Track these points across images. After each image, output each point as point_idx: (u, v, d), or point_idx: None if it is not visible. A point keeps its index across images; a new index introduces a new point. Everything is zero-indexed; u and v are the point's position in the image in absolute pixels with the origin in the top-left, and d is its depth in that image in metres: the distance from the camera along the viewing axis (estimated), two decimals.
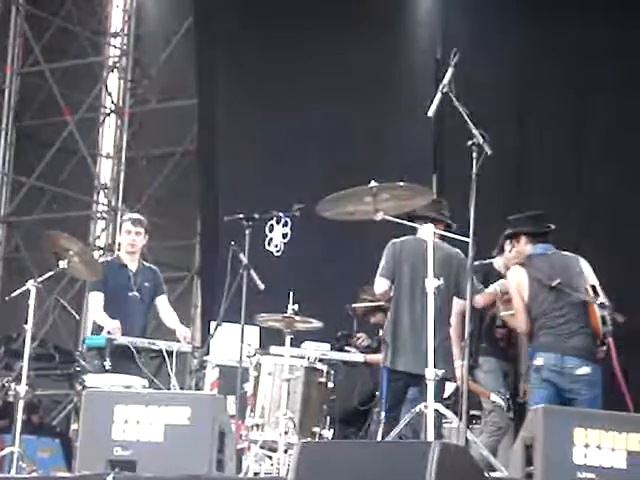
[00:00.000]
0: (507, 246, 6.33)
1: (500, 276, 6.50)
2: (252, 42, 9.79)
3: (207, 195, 10.27)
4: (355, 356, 7.25)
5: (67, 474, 5.30)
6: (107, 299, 7.07)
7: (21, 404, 5.98)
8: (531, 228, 6.16)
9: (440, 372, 4.96)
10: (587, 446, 4.42)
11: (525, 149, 8.54)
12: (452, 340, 6.36)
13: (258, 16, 9.79)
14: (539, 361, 5.87)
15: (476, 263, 5.44)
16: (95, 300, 7.11)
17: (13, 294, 6.31)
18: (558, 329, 5.89)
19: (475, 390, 6.23)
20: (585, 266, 6.05)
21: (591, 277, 6.00)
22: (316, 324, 6.30)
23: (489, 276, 6.48)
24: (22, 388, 5.98)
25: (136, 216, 7.47)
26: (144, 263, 7.45)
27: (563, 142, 8.47)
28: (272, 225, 6.34)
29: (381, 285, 5.84)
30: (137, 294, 7.18)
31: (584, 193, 8.38)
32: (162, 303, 7.30)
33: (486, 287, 6.31)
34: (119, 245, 7.57)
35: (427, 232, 4.99)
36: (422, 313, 5.29)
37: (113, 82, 12.81)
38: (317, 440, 5.71)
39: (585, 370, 5.79)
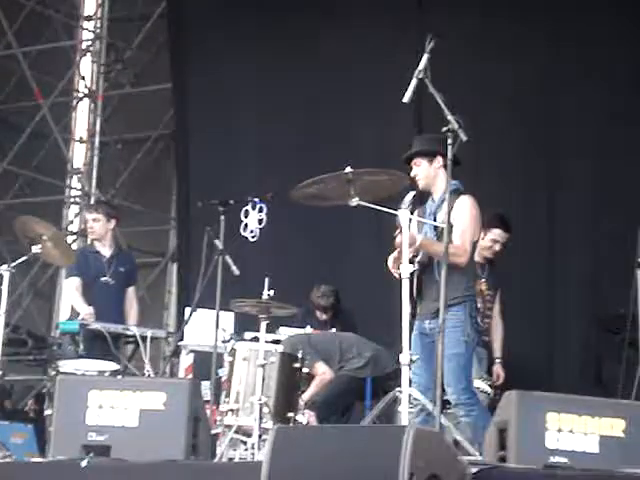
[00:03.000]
0: None
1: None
2: (224, 26, 9.76)
3: (181, 180, 10.25)
4: None
5: (41, 459, 5.28)
6: (83, 285, 7.07)
7: None
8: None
9: (415, 357, 4.98)
10: (560, 430, 4.44)
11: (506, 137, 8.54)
12: None
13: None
14: None
15: None
16: (71, 285, 7.11)
17: None
18: None
19: None
20: None
21: None
22: (291, 310, 6.31)
23: None
24: None
25: (93, 202, 7.51)
26: (120, 249, 7.44)
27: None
28: (247, 210, 6.34)
29: None
30: (110, 279, 7.18)
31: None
32: (129, 294, 7.33)
33: None
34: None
35: (403, 217, 4.98)
36: None
37: (86, 66, 12.72)
38: (292, 425, 5.72)
39: None
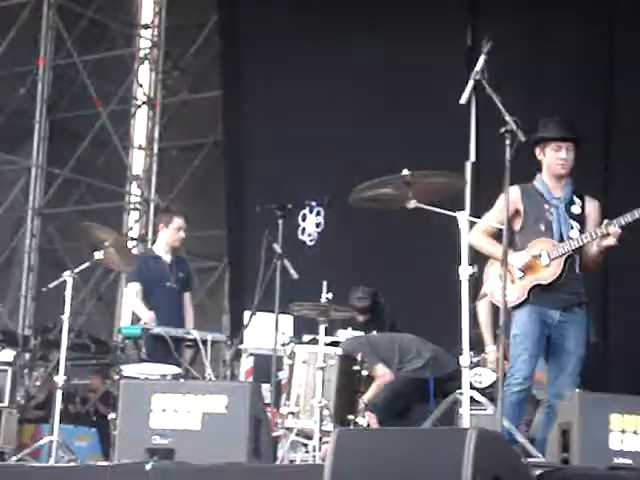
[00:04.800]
0: None
1: None
2: (278, 34, 9.82)
3: (234, 186, 10.32)
4: None
5: (106, 462, 5.35)
6: (144, 290, 7.14)
7: (59, 394, 6.05)
8: None
9: (475, 359, 4.96)
10: (624, 432, 4.41)
11: None
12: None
13: (284, 7, 9.82)
14: None
15: None
16: (132, 290, 7.19)
17: (50, 285, 6.37)
18: None
19: (538, 379, 6.19)
20: None
21: None
22: (350, 312, 6.31)
23: None
24: (60, 378, 6.05)
25: (184, 213, 7.59)
26: (177, 255, 7.52)
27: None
28: (305, 214, 6.36)
29: None
30: (174, 285, 7.26)
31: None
32: (186, 299, 7.40)
33: None
34: (155, 236, 7.63)
35: (462, 219, 4.96)
36: None
37: (144, 74, 12.88)
38: (353, 427, 5.73)
39: None
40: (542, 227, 5.51)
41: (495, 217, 5.44)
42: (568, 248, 5.42)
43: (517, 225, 5.56)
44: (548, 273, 5.42)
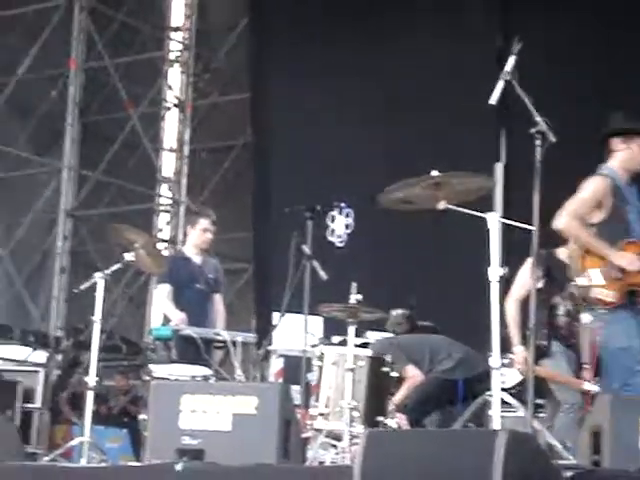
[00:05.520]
0: None
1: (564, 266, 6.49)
2: (307, 36, 9.84)
3: (262, 188, 10.35)
4: None
5: (137, 463, 5.38)
6: (174, 292, 7.17)
7: (90, 395, 6.09)
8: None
9: (505, 360, 4.95)
10: None
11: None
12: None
13: (316, 9, 9.84)
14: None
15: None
16: (162, 292, 7.22)
17: (82, 287, 6.41)
18: None
19: (565, 381, 6.17)
20: None
21: None
22: (379, 314, 6.31)
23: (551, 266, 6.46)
24: (91, 379, 6.09)
25: (212, 214, 7.56)
26: (208, 256, 7.54)
27: None
28: (333, 216, 6.36)
29: None
30: (203, 287, 7.28)
31: None
32: (216, 301, 7.41)
33: (548, 277, 6.28)
34: (185, 238, 7.66)
35: (492, 220, 4.95)
36: None
37: (175, 76, 12.94)
38: (382, 429, 5.72)
39: None
40: (623, 226, 5.30)
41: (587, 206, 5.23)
42: None
43: (596, 218, 5.37)
44: None
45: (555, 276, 6.46)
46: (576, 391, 6.29)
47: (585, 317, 5.40)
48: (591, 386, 6.23)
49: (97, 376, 6.14)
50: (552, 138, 4.83)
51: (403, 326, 7.57)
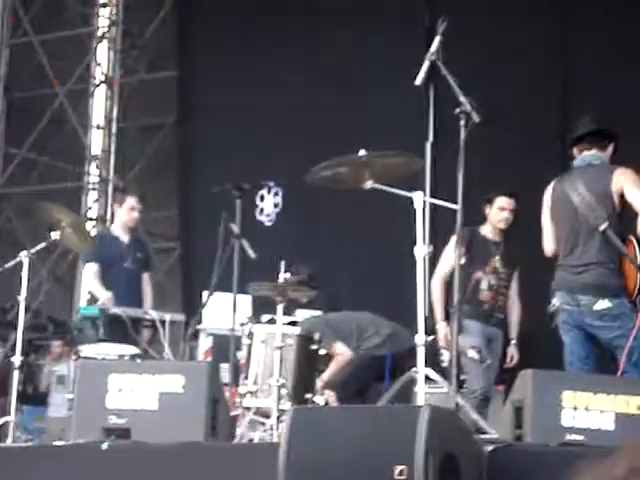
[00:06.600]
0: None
1: (486, 242, 6.62)
2: (233, 13, 9.79)
3: (187, 167, 10.31)
4: None
5: (62, 442, 5.35)
6: (102, 271, 7.13)
7: (16, 374, 6.03)
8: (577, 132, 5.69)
9: (430, 338, 5.01)
10: (576, 409, 4.47)
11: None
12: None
13: None
14: (555, 301, 5.57)
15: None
16: (90, 271, 7.17)
17: (6, 265, 6.34)
18: (570, 262, 5.52)
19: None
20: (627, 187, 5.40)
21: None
22: (307, 292, 6.34)
23: (473, 243, 6.57)
24: (17, 359, 6.03)
25: (138, 192, 7.51)
26: (137, 235, 7.50)
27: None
28: (262, 195, 6.37)
29: None
30: (132, 266, 7.24)
31: None
32: (145, 280, 7.38)
33: (469, 254, 6.38)
34: (112, 216, 7.61)
35: (418, 199, 5.00)
36: None
37: (102, 53, 12.77)
38: (308, 406, 5.77)
39: (603, 305, 5.43)
40: None
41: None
42: None
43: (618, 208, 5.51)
44: None
45: (476, 252, 6.57)
46: (482, 377, 6.42)
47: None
48: (472, 352, 6.37)
49: (23, 355, 6.08)
50: (476, 118, 4.89)
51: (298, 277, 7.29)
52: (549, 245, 5.74)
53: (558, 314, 5.58)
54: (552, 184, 5.78)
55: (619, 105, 7.79)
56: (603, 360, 5.63)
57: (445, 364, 6.30)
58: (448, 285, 6.42)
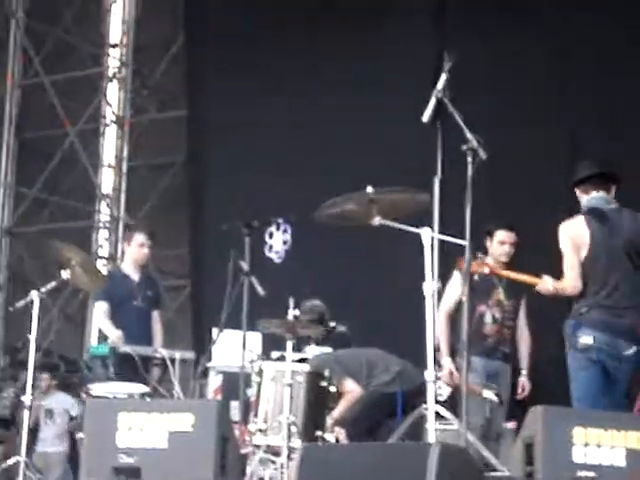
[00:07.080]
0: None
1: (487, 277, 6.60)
2: (244, 53, 9.87)
3: (198, 205, 10.35)
4: None
5: None
6: (112, 309, 7.14)
7: (27, 414, 6.03)
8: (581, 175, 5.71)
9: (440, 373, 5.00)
10: (587, 445, 4.44)
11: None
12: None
13: (251, 29, 9.89)
14: (587, 340, 5.47)
15: None
16: (100, 309, 7.19)
17: (18, 304, 6.36)
18: (611, 303, 5.49)
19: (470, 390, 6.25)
20: None
21: None
22: (317, 329, 6.33)
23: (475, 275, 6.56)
24: (27, 398, 6.03)
25: (147, 229, 7.55)
26: (147, 273, 7.53)
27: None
28: (271, 232, 6.38)
29: None
30: (142, 304, 7.26)
31: None
32: (155, 318, 7.40)
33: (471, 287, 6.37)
34: (122, 254, 7.63)
35: (426, 235, 5.01)
36: None
37: (113, 93, 12.88)
38: (319, 443, 5.75)
39: (632, 350, 5.45)
40: None
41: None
42: None
43: None
44: None
45: (478, 285, 6.54)
46: (480, 414, 6.38)
47: None
48: (488, 393, 6.33)
49: (33, 394, 6.09)
50: (483, 155, 4.91)
51: (309, 315, 7.31)
52: (577, 282, 5.56)
53: (587, 351, 5.50)
54: (578, 222, 5.62)
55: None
56: (614, 396, 5.59)
57: (443, 398, 6.27)
58: (453, 319, 6.41)
